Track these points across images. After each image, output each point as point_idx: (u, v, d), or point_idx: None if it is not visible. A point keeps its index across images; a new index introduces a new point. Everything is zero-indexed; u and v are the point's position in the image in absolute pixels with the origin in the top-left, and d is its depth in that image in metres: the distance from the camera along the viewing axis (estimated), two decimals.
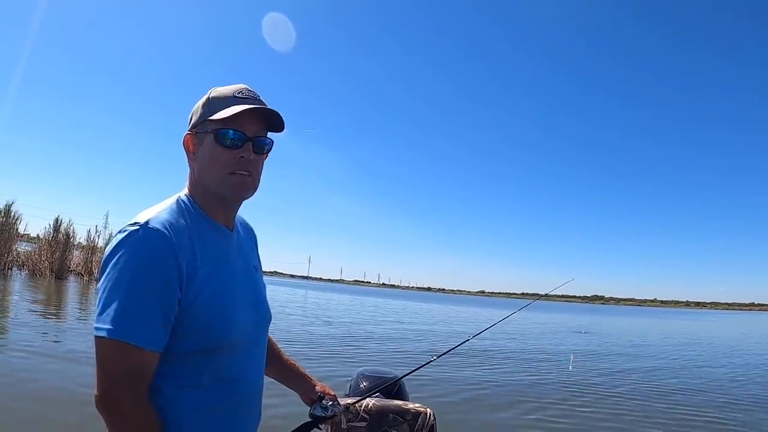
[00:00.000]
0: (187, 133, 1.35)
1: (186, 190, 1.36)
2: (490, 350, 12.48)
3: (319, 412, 1.72)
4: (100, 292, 1.14)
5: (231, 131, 1.28)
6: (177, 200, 1.32)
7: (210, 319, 1.23)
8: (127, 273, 1.13)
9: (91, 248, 25.08)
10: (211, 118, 1.29)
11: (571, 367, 9.77)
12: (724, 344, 19.93)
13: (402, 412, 2.16)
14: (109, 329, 1.10)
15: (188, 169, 1.37)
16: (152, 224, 1.18)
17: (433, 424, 2.17)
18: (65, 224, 23.87)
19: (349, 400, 2.12)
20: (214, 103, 1.31)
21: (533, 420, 6.18)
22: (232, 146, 1.28)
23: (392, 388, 2.37)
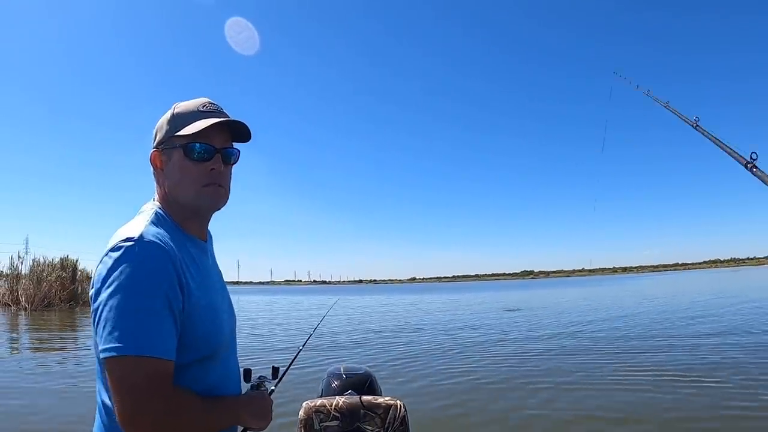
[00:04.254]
0: (154, 150, 1.34)
1: (157, 204, 1.34)
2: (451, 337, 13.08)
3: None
4: (106, 312, 1.09)
5: (199, 144, 1.28)
6: (155, 214, 1.29)
7: (205, 329, 1.25)
8: (135, 287, 1.10)
9: (15, 276, 23.95)
10: (177, 134, 1.29)
11: None
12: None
13: (373, 407, 2.19)
14: (125, 346, 1.07)
15: (155, 185, 1.38)
16: (147, 237, 1.16)
17: (404, 416, 2.20)
18: None
19: (319, 402, 2.20)
20: (179, 119, 1.31)
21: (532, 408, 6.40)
22: (201, 159, 1.29)
23: (363, 383, 2.42)
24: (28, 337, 14.37)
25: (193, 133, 1.28)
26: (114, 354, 1.07)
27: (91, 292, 1.18)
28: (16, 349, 12.14)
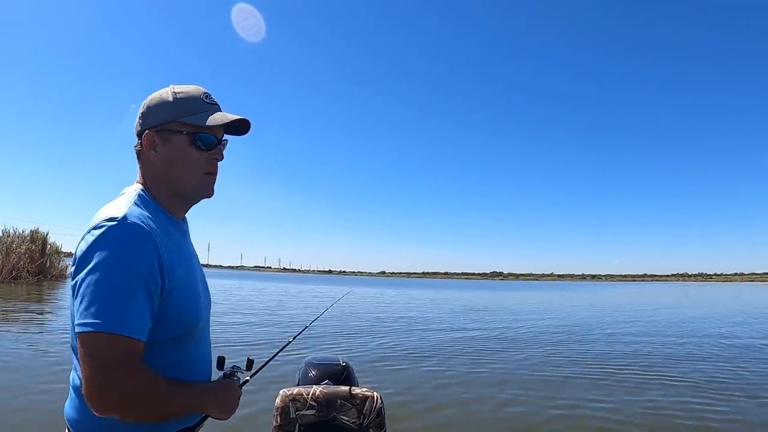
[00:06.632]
0: (149, 131, 1.32)
1: (140, 186, 1.34)
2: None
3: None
4: (84, 288, 1.11)
5: (210, 136, 1.33)
6: (138, 195, 1.30)
7: (183, 308, 1.28)
8: (114, 266, 1.12)
9: None
10: (183, 120, 1.31)
11: None
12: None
13: (350, 398, 2.21)
14: (101, 323, 1.09)
15: (138, 164, 1.37)
16: (131, 218, 1.17)
17: (380, 408, 2.21)
18: None
19: (296, 390, 2.21)
20: (183, 105, 1.32)
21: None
22: (207, 149, 1.34)
23: (341, 374, 2.43)
24: None
25: (205, 125, 1.32)
26: (90, 329, 1.09)
27: (71, 268, 1.20)
28: None
